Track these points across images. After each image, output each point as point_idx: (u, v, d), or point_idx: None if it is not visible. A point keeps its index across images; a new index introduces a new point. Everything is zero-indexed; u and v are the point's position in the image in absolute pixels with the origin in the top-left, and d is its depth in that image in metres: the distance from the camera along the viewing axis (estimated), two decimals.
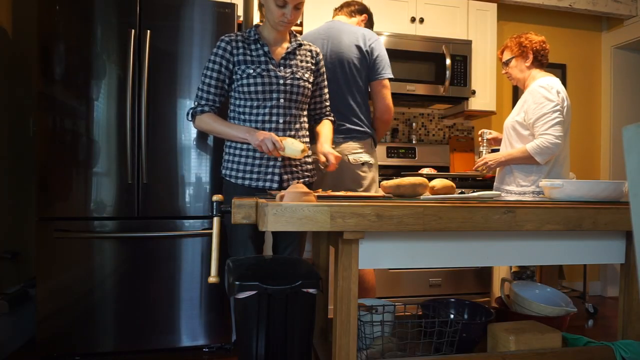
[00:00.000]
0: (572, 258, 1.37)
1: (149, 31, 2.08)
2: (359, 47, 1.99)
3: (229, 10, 2.19)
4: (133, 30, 2.06)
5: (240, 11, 2.40)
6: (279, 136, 1.68)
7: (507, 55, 2.22)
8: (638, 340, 1.38)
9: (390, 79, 2.07)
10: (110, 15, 2.06)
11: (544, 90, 2.01)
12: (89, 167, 2.05)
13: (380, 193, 1.68)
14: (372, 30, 2.17)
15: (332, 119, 1.90)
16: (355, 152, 1.99)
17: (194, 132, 2.16)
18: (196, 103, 1.72)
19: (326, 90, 1.88)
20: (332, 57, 2.00)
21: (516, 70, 2.19)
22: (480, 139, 2.34)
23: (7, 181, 2.28)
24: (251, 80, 1.65)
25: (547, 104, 1.98)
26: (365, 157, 2.01)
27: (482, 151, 2.30)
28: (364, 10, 2.19)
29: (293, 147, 1.58)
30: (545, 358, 1.31)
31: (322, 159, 1.67)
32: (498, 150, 2.35)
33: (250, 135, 1.61)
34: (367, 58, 2.00)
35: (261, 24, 1.77)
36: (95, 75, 2.05)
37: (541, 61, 2.16)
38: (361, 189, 2.01)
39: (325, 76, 1.86)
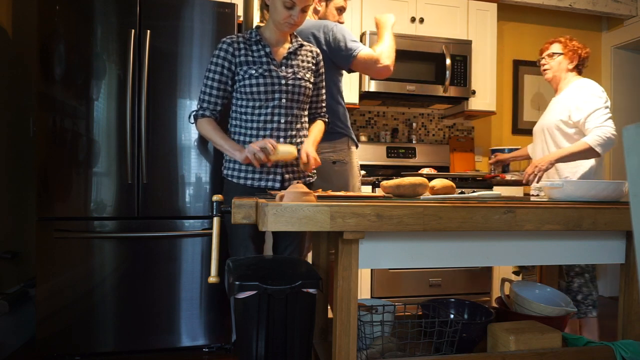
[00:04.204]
0: (572, 258, 1.37)
1: (148, 31, 2.08)
2: (319, 42, 1.92)
3: (229, 10, 2.19)
4: (133, 30, 2.06)
5: (240, 11, 2.40)
6: (280, 135, 1.68)
7: (556, 49, 2.19)
8: (638, 340, 1.38)
9: (360, 53, 1.89)
10: (110, 15, 2.06)
11: (593, 89, 2.04)
12: (89, 167, 2.05)
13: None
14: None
15: (326, 119, 1.90)
16: (324, 151, 1.94)
17: (194, 132, 2.16)
18: (198, 106, 1.72)
19: (323, 91, 1.88)
20: None
21: (558, 67, 2.18)
22: (492, 158, 2.38)
23: (7, 181, 2.28)
24: (253, 81, 1.66)
25: (599, 100, 2.00)
26: (337, 156, 1.97)
27: (492, 170, 2.32)
28: None
29: (284, 148, 1.57)
30: (545, 358, 1.31)
31: (304, 158, 1.66)
32: (507, 168, 2.33)
33: (240, 153, 1.61)
34: (327, 52, 1.91)
35: (262, 24, 1.77)
36: (95, 75, 2.05)
37: (580, 69, 2.20)
38: (335, 189, 1.95)
39: (323, 77, 1.86)
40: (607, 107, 2.01)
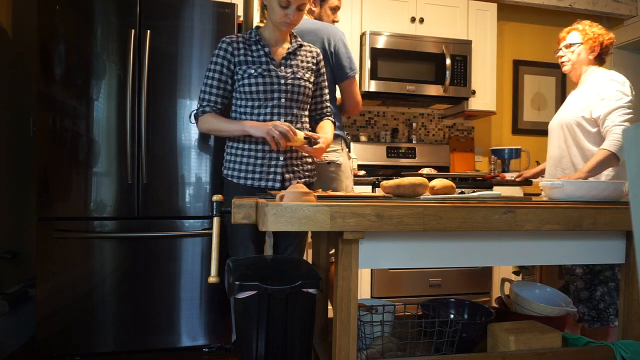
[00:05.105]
0: (572, 258, 1.37)
1: (149, 31, 2.08)
2: (323, 50, 1.96)
3: (229, 10, 2.19)
4: (133, 30, 2.06)
5: (240, 11, 2.40)
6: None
7: (575, 39, 1.99)
8: (638, 340, 1.38)
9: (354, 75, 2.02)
10: (110, 15, 2.06)
11: (617, 84, 1.87)
12: (89, 167, 2.05)
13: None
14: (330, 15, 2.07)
15: (333, 120, 1.90)
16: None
17: (194, 132, 2.16)
18: (198, 105, 1.73)
19: (326, 90, 1.88)
20: None
21: (577, 59, 1.98)
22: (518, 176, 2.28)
23: (7, 181, 2.28)
24: (252, 80, 1.66)
25: (624, 98, 1.84)
26: (332, 157, 1.98)
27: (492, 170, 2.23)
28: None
29: (301, 136, 1.61)
30: (545, 358, 1.31)
31: (315, 135, 1.66)
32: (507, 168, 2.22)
33: (254, 128, 1.60)
34: (330, 60, 1.97)
35: (262, 25, 1.77)
36: (95, 75, 2.05)
37: (603, 59, 2.01)
38: (331, 190, 1.97)
39: (325, 77, 1.87)
40: (629, 107, 1.84)
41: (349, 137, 2.11)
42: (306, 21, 1.97)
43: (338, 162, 2.00)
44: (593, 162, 1.81)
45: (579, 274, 1.88)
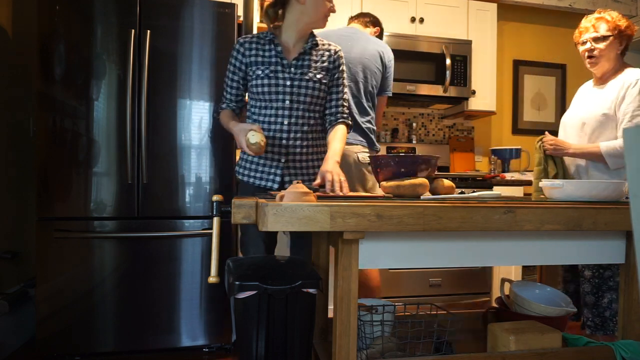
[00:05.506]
0: (572, 258, 1.37)
1: (148, 31, 2.08)
2: (381, 58, 2.12)
3: (229, 10, 2.19)
4: (133, 30, 2.06)
5: (240, 11, 2.40)
6: (283, 137, 1.68)
7: (605, 31, 1.83)
8: (638, 340, 1.38)
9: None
10: (110, 15, 2.06)
11: None
12: (89, 167, 2.05)
13: (381, 193, 1.69)
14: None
15: (349, 122, 1.80)
16: (364, 151, 2.08)
17: (194, 132, 2.16)
18: (220, 103, 1.82)
19: (344, 89, 1.79)
20: (355, 59, 2.07)
21: (609, 52, 1.83)
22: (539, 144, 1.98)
23: (7, 181, 2.28)
24: (259, 82, 1.68)
25: None
26: (366, 156, 2.08)
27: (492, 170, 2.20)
28: (377, 23, 2.30)
29: (252, 139, 1.51)
30: (545, 358, 1.31)
31: (318, 180, 1.54)
32: (507, 168, 2.34)
33: (236, 136, 1.62)
34: (382, 71, 2.14)
35: (279, 24, 1.71)
36: (95, 75, 2.05)
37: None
38: (364, 190, 2.05)
39: (344, 75, 1.79)
40: None
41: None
42: (363, 32, 2.20)
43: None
44: (584, 149, 1.82)
45: (587, 277, 1.81)
